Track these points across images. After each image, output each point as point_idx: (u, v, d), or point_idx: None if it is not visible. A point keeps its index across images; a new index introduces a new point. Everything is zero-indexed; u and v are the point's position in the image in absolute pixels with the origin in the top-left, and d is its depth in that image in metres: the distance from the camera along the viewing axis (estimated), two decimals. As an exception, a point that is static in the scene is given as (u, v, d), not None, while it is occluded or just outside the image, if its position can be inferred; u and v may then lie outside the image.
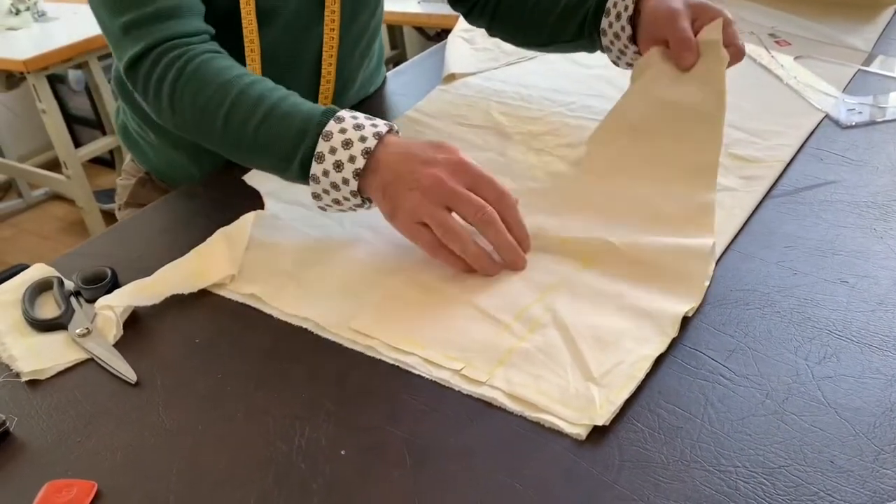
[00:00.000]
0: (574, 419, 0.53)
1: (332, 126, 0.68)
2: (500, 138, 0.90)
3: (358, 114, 0.70)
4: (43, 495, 0.51)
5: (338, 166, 0.67)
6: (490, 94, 1.02)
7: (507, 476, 0.50)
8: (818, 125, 0.88)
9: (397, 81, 1.13)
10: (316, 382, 0.58)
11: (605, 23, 0.85)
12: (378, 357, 0.60)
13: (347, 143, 0.67)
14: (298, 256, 0.72)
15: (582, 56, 1.10)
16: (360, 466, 0.51)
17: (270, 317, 0.66)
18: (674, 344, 0.58)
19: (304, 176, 0.69)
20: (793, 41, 1.09)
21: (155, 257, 0.72)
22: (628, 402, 0.54)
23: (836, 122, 0.88)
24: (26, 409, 0.59)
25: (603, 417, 0.52)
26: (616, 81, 1.01)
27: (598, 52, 1.13)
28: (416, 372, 0.58)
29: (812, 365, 0.55)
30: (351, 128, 0.67)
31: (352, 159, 0.67)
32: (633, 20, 0.82)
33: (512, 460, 0.51)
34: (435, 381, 0.57)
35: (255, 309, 0.67)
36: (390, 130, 0.69)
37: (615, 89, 0.99)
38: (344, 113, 0.69)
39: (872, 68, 1.00)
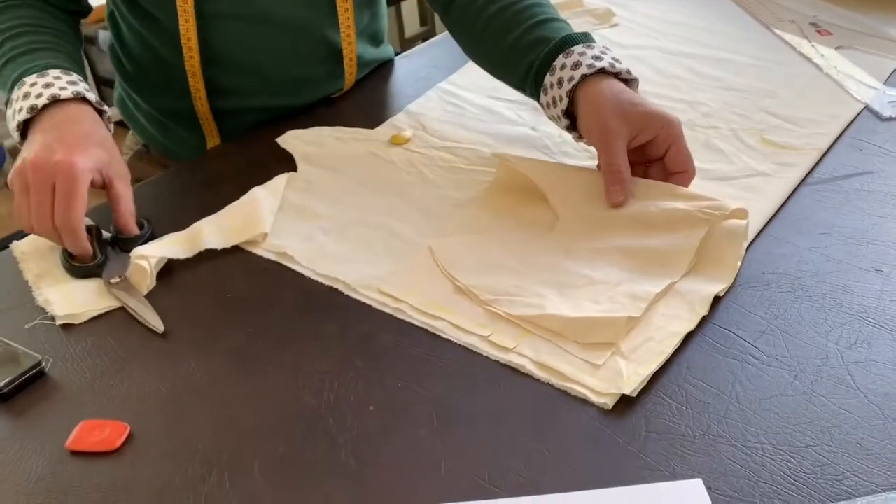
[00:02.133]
0: (601, 389, 0.53)
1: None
2: (533, 113, 0.90)
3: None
4: (77, 433, 0.52)
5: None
6: (525, 69, 1.01)
7: (534, 441, 0.50)
8: (857, 116, 0.87)
9: (431, 54, 1.13)
10: (345, 341, 0.59)
11: (548, 80, 0.74)
12: (407, 320, 0.61)
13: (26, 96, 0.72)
14: (330, 219, 0.73)
15: (622, 35, 1.09)
16: (386, 424, 0.52)
17: (301, 276, 0.66)
18: (704, 323, 0.58)
19: None
20: (834, 31, 1.08)
21: (189, 213, 0.73)
22: (656, 377, 0.54)
23: (877, 114, 0.87)
24: (61, 351, 0.60)
25: (630, 387, 0.52)
26: (654, 62, 1.00)
27: (640, 31, 1.12)
28: (445, 336, 0.59)
29: (842, 349, 0.55)
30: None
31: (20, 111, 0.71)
32: (571, 95, 0.72)
33: (538, 426, 0.51)
34: (462, 346, 0.58)
35: (286, 267, 0.68)
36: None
37: (654, 71, 0.98)
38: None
39: (915, 62, 0.98)
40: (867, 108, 0.88)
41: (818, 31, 1.08)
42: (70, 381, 0.57)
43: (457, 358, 0.57)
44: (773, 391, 0.52)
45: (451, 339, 0.59)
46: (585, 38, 0.74)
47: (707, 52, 1.03)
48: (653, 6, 1.18)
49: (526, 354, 0.56)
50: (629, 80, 0.73)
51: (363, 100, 0.96)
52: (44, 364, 0.58)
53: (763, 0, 1.17)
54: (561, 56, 0.73)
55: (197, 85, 0.90)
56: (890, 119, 0.85)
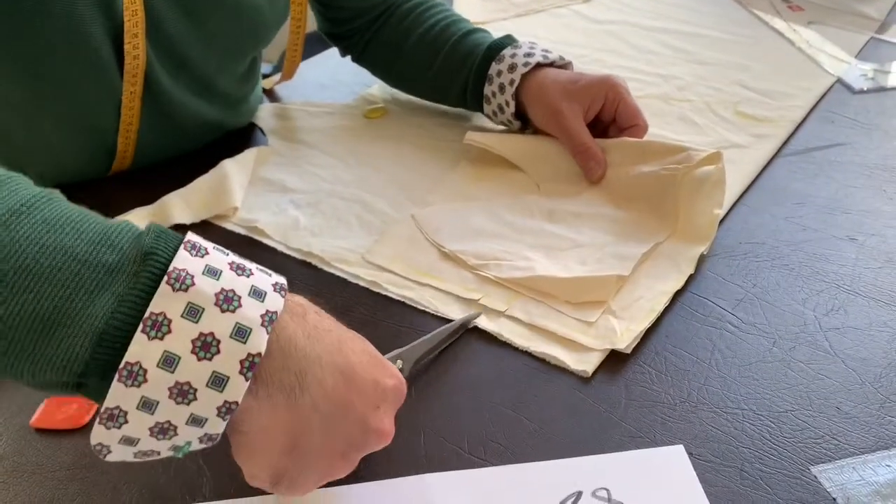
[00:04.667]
0: (596, 345, 0.53)
1: None
2: (508, 88, 0.89)
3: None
4: (43, 410, 0.50)
5: None
6: (499, 44, 1.00)
7: (513, 411, 0.49)
8: (829, 89, 0.87)
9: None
10: (320, 314, 0.58)
11: (487, 90, 0.74)
12: (383, 293, 0.59)
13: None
14: (303, 192, 0.71)
15: (593, 10, 1.09)
16: (364, 396, 0.51)
17: (274, 250, 0.65)
18: (682, 291, 0.58)
19: None
20: (805, 6, 1.08)
21: (157, 188, 0.71)
22: (635, 345, 0.54)
23: (848, 87, 0.87)
24: (24, 328, 0.58)
25: (624, 342, 0.52)
26: (628, 37, 1.00)
27: (612, 6, 1.12)
28: (422, 308, 0.58)
29: (819, 316, 0.55)
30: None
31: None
32: (518, 97, 0.72)
33: (518, 396, 0.50)
34: (441, 319, 0.57)
35: (257, 242, 0.66)
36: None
37: (627, 45, 0.98)
38: None
39: (886, 36, 0.99)
40: (839, 81, 0.88)
41: (790, 7, 1.08)
42: (34, 358, 0.55)
43: (435, 329, 0.56)
44: (751, 358, 0.52)
45: (429, 310, 0.58)
46: (510, 41, 0.75)
47: (680, 27, 1.02)
48: (626, -18, 1.17)
49: (517, 317, 0.56)
50: (564, 66, 0.74)
51: (334, 74, 0.95)
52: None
53: (735, -24, 1.17)
54: (494, 63, 0.73)
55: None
56: (861, 92, 0.86)
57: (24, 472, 0.47)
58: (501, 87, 0.72)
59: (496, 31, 1.00)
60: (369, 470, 0.46)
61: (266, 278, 0.38)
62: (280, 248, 0.65)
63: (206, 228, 0.68)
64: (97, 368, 0.34)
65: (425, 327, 0.56)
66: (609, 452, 0.46)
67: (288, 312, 0.38)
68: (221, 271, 0.36)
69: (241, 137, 0.80)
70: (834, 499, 0.43)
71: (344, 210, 0.69)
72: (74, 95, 0.66)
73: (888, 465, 0.44)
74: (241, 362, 0.34)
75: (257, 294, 0.36)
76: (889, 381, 0.50)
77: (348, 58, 0.88)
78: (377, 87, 0.90)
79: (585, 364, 0.52)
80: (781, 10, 1.07)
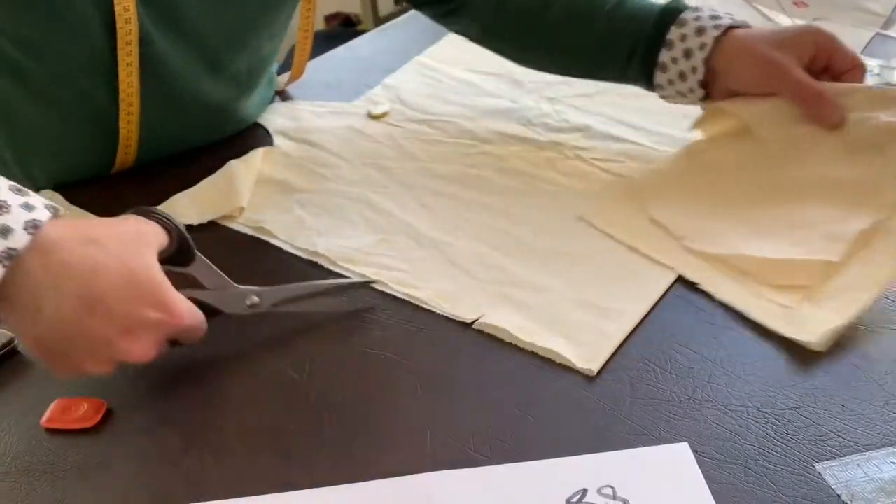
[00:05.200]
0: (789, 333, 0.52)
1: None
2: (512, 86, 0.89)
3: None
4: (53, 410, 0.51)
5: None
6: (503, 43, 1.00)
7: (518, 409, 0.50)
8: (835, 85, 0.87)
9: (406, 28, 1.11)
10: (326, 314, 0.58)
11: (665, 56, 0.69)
12: (390, 292, 0.60)
13: None
14: (309, 192, 0.72)
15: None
16: (370, 395, 0.52)
17: (280, 249, 0.65)
18: (687, 288, 0.58)
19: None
20: (810, 3, 1.08)
21: (164, 188, 0.71)
22: (640, 343, 0.54)
23: (853, 83, 0.87)
24: (34, 329, 0.58)
25: (816, 337, 0.52)
26: (631, 35, 1.00)
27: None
28: (427, 307, 0.58)
29: (824, 314, 0.55)
30: None
31: None
32: (709, 62, 0.68)
33: (523, 394, 0.51)
34: (445, 317, 0.57)
35: (264, 241, 0.66)
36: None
37: (630, 43, 0.98)
38: None
39: (891, 32, 0.99)
40: (844, 77, 0.88)
41: (795, 3, 1.08)
42: (44, 359, 0.56)
43: (440, 329, 0.56)
44: (756, 356, 0.52)
45: (434, 309, 0.58)
46: (683, 5, 0.71)
47: (685, 25, 1.02)
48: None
49: (708, 290, 0.57)
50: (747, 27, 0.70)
51: (338, 74, 0.95)
52: (16, 342, 0.56)
53: (740, -28, 1.17)
54: (674, 28, 0.69)
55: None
56: (867, 88, 0.86)
57: (35, 472, 0.48)
58: (687, 53, 0.68)
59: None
60: (375, 468, 0.46)
61: (23, 215, 0.45)
62: (286, 247, 0.65)
63: (213, 228, 0.68)
64: None
65: (432, 326, 0.56)
66: (614, 450, 0.46)
67: (34, 250, 0.45)
68: None
69: (248, 138, 0.80)
70: (838, 496, 0.43)
71: (349, 210, 0.69)
72: (66, 74, 0.64)
73: (893, 462, 0.44)
74: None
75: (3, 232, 0.44)
76: (894, 379, 0.50)
77: (353, 58, 0.87)
78: (381, 88, 0.90)
79: (590, 362, 0.52)
80: (786, 6, 1.07)
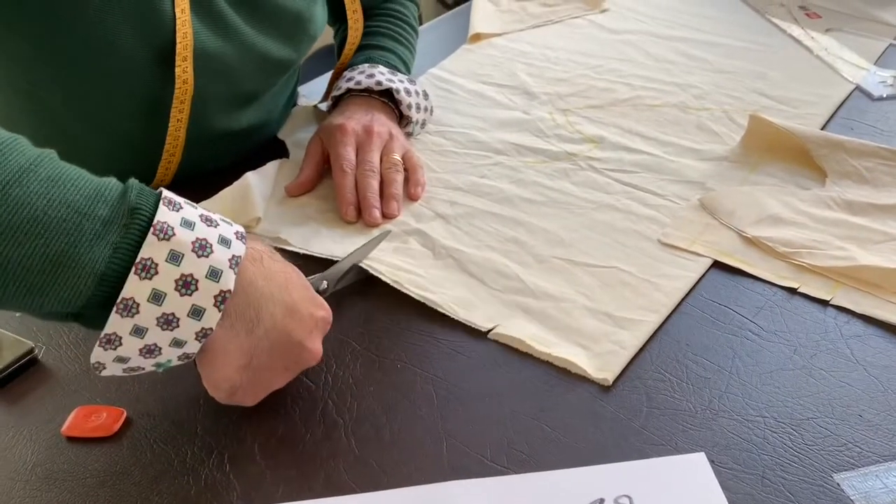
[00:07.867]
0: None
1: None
2: (525, 98, 0.90)
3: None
4: (73, 419, 0.51)
5: None
6: (516, 54, 1.01)
7: (534, 419, 0.50)
8: (848, 96, 0.87)
9: (420, 40, 1.12)
10: (342, 322, 0.59)
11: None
12: (406, 292, 0.60)
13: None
14: (324, 202, 0.72)
15: (610, 20, 1.09)
16: (387, 404, 0.52)
17: (296, 255, 0.66)
18: (702, 299, 0.58)
19: None
20: (823, 14, 1.08)
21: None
22: (656, 353, 0.54)
23: (867, 94, 0.87)
24: (53, 338, 0.59)
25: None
26: (645, 47, 1.00)
27: (628, 16, 1.12)
28: (443, 311, 0.58)
29: (841, 324, 0.55)
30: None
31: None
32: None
33: (539, 404, 0.51)
34: (460, 324, 0.57)
35: (280, 250, 0.67)
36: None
37: (644, 54, 0.98)
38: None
39: (904, 43, 0.99)
40: (858, 88, 0.88)
41: (807, 14, 1.08)
42: (63, 368, 0.56)
43: (456, 337, 0.57)
44: (772, 366, 0.52)
45: (450, 314, 0.58)
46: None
47: (697, 36, 1.02)
48: (642, -9, 1.18)
49: (845, 306, 0.56)
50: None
51: (354, 86, 0.95)
52: (36, 351, 0.57)
53: (751, -16, 1.17)
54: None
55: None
56: (880, 99, 0.86)
57: (56, 480, 0.48)
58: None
59: (514, 42, 1.01)
60: (392, 477, 0.46)
61: (229, 228, 0.46)
62: (302, 251, 0.66)
63: (230, 239, 0.69)
64: (97, 302, 0.42)
65: (448, 335, 0.57)
66: (631, 460, 0.46)
67: (248, 258, 0.46)
68: (195, 223, 0.44)
69: (263, 150, 0.81)
70: (857, 506, 0.43)
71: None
72: (111, 127, 0.67)
73: (911, 473, 0.44)
74: (215, 297, 0.44)
75: (224, 242, 0.45)
76: (912, 389, 0.50)
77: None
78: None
79: (606, 372, 0.52)
80: (799, 17, 1.07)
